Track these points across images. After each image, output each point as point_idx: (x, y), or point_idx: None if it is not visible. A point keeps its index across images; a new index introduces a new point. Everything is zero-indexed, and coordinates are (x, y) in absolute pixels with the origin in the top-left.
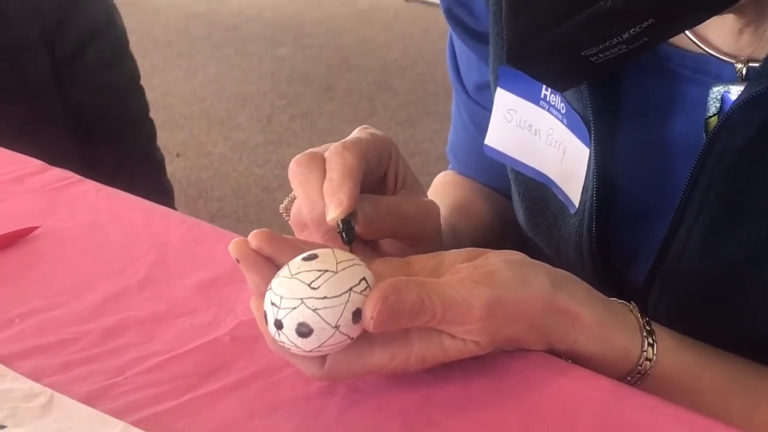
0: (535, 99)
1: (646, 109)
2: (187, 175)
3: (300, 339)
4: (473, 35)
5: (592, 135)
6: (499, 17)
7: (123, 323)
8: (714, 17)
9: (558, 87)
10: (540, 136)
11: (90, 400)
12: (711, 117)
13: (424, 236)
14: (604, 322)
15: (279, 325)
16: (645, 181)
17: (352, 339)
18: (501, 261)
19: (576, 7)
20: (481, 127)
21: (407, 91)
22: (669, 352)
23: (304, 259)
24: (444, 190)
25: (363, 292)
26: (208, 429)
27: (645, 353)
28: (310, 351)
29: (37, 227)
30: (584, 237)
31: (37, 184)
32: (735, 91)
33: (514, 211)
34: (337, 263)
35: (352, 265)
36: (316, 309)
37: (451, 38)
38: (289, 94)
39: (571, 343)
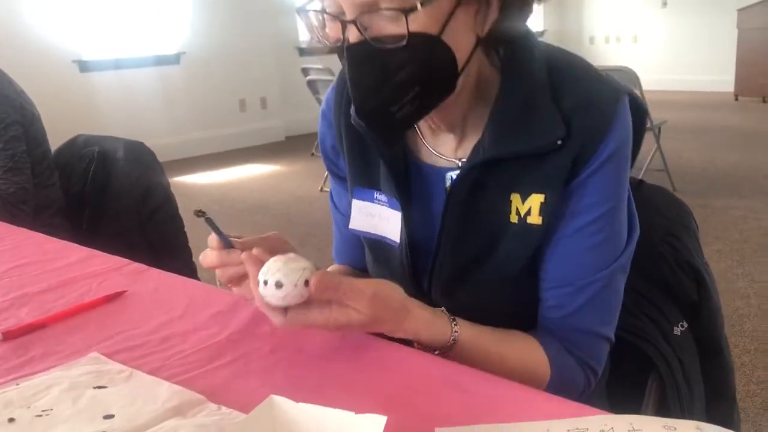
0: (371, 200)
1: (421, 189)
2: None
3: (276, 290)
4: (340, 179)
5: (401, 206)
6: (351, 169)
7: (170, 335)
8: (442, 141)
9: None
10: (375, 217)
11: (152, 372)
12: (448, 186)
13: None
14: (431, 319)
15: (265, 282)
16: (425, 224)
17: (304, 297)
18: (377, 280)
19: (383, 83)
20: (347, 233)
21: (321, 234)
22: (464, 333)
23: (283, 256)
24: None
25: (311, 272)
26: (214, 385)
27: (453, 333)
28: (281, 298)
29: (126, 291)
30: (403, 259)
31: (127, 270)
32: (456, 174)
33: (368, 273)
34: (298, 258)
35: (304, 260)
36: (286, 274)
37: (331, 190)
38: None
39: (415, 330)
